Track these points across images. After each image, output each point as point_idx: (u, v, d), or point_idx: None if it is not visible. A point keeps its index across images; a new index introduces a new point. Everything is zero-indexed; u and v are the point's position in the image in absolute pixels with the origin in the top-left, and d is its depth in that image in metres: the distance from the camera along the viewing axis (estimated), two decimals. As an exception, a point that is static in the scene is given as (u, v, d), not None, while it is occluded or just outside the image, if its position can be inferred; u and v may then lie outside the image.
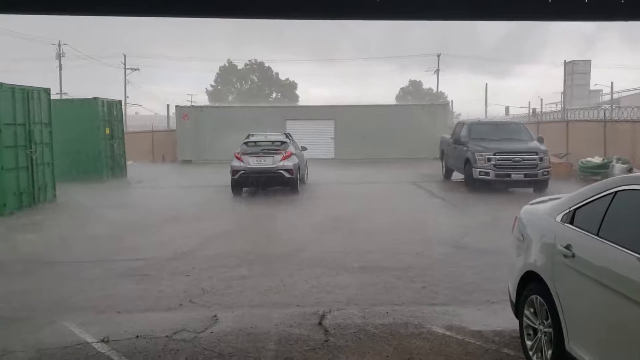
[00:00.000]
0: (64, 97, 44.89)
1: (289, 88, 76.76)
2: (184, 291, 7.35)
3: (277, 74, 76.87)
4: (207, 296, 7.17)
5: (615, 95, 51.81)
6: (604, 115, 23.89)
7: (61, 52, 55.55)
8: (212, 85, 75.89)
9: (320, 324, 6.10)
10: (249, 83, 76.40)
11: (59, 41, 55.53)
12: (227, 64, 75.10)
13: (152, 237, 11.10)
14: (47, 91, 16.37)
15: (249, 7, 6.62)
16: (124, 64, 58.26)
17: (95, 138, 20.93)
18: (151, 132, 34.84)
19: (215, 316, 6.36)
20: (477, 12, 7.35)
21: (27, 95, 15.08)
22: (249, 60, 75.87)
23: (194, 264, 8.85)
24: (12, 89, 14.56)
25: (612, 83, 51.60)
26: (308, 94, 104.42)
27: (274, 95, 75.96)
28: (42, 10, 7.32)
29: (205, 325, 6.07)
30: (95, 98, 21.30)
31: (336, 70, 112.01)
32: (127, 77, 58.72)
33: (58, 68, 55.48)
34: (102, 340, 5.65)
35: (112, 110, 22.39)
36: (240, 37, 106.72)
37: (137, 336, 5.76)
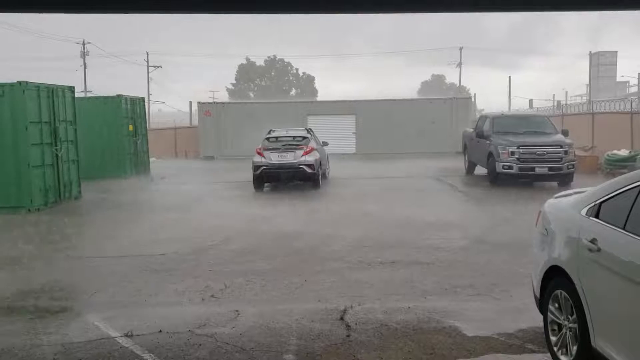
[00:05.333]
0: (88, 95, 45.46)
1: (307, 82, 76.77)
2: (206, 286, 7.39)
3: (297, 69, 77.04)
4: (229, 291, 7.21)
5: (643, 87, 50.79)
6: (631, 107, 23.42)
7: (85, 50, 56.26)
8: (232, 84, 76.29)
9: (341, 319, 6.08)
10: (268, 80, 76.52)
11: (83, 40, 56.26)
12: (245, 62, 75.36)
13: (175, 232, 11.19)
14: (71, 89, 16.57)
15: (259, 2, 6.58)
16: (147, 62, 58.78)
17: (118, 135, 21.16)
18: (174, 128, 35.15)
19: (237, 311, 6.38)
20: (495, 3, 7.22)
21: (51, 94, 15.28)
22: (268, 57, 76.08)
23: (216, 259, 8.91)
24: (37, 87, 14.77)
25: (639, 74, 50.63)
26: (327, 89, 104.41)
27: (293, 91, 76.03)
28: (55, 9, 7.39)
29: (227, 320, 6.10)
30: (118, 96, 21.52)
31: (355, 65, 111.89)
32: (150, 75, 59.25)
33: (82, 66, 56.22)
34: (126, 335, 5.72)
35: (135, 108, 22.59)
36: (255, 33, 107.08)
37: (160, 331, 5.81)
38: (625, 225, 4.02)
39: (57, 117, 15.41)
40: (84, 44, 56.07)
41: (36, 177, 14.38)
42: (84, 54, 56.09)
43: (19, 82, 14.18)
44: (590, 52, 60.72)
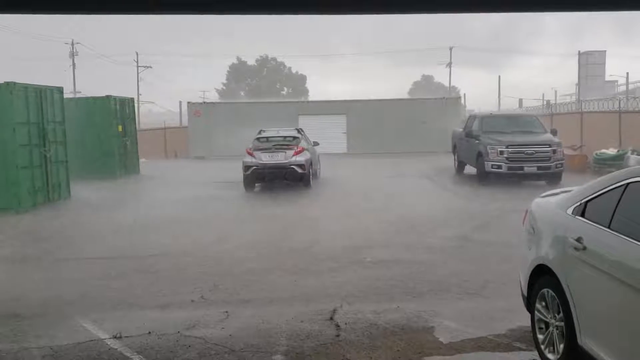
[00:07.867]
0: (77, 95, 45.21)
1: (299, 81, 76.73)
2: (196, 287, 7.38)
3: (289, 68, 76.94)
4: (218, 292, 7.20)
5: (631, 86, 51.18)
6: (619, 106, 23.56)
7: (74, 51, 55.98)
8: (223, 84, 76.08)
9: (331, 319, 6.09)
10: (259, 79, 76.36)
11: (72, 40, 56.00)
12: (237, 62, 75.15)
13: (164, 233, 11.15)
14: (60, 90, 16.48)
15: (246, 2, 6.58)
16: (137, 62, 58.55)
17: (108, 136, 21.07)
18: (163, 129, 35.02)
19: (226, 312, 6.37)
20: (482, 4, 7.25)
21: (40, 94, 15.20)
22: (260, 56, 75.98)
23: (205, 260, 8.89)
24: (25, 88, 14.69)
25: (627, 74, 51.02)
26: (319, 90, 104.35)
27: (285, 90, 75.95)
28: (46, 10, 7.35)
29: (217, 321, 6.10)
30: (107, 96, 21.43)
31: (346, 65, 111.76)
32: (140, 75, 59.03)
33: (71, 67, 55.90)
34: (115, 337, 5.70)
35: (125, 108, 22.50)
36: (246, 34, 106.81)
37: (149, 332, 5.80)
38: (610, 223, 4.06)
39: (45, 118, 15.33)
40: (73, 44, 55.83)
41: (24, 179, 14.30)
42: (73, 54, 55.83)
43: (7, 83, 14.10)
44: (579, 51, 61.11)
